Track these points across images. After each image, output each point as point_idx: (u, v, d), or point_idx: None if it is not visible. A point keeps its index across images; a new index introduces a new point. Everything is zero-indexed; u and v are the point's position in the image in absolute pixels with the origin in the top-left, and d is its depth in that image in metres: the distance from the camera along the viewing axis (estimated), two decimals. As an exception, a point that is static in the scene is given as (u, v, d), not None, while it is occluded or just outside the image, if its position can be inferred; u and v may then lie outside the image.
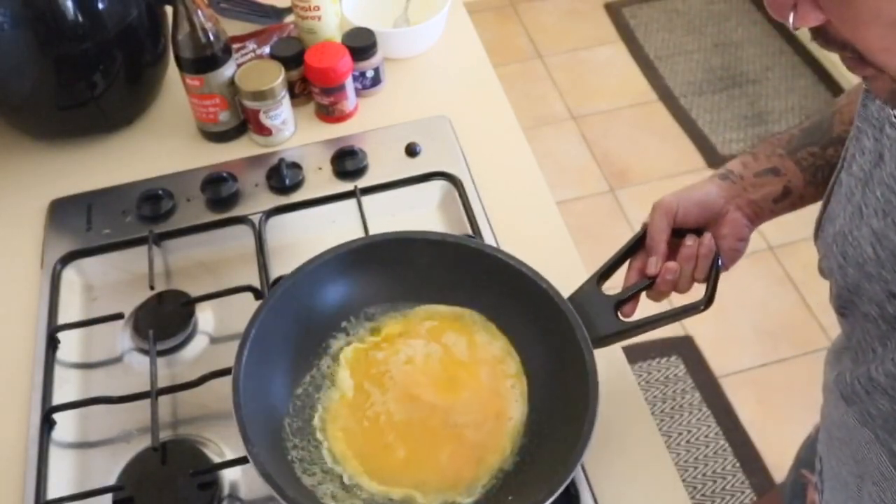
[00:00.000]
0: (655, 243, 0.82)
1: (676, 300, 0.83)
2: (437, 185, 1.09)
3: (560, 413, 0.79)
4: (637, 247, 0.85)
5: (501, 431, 0.80)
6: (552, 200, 1.08)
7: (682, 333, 2.08)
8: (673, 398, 1.97)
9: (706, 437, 1.90)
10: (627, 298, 0.82)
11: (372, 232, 1.00)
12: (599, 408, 0.75)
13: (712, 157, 2.49)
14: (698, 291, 0.82)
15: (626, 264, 0.85)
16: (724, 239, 0.82)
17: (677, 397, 1.97)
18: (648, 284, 0.82)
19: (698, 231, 0.83)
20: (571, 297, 0.83)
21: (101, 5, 1.06)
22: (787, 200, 0.83)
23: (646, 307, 0.83)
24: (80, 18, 1.04)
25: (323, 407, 0.82)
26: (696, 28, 2.92)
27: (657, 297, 0.83)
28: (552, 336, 0.82)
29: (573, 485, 0.80)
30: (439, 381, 0.83)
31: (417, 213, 1.07)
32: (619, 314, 0.82)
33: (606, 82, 2.73)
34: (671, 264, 0.81)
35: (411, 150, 1.12)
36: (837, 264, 0.69)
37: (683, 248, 0.82)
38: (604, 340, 0.81)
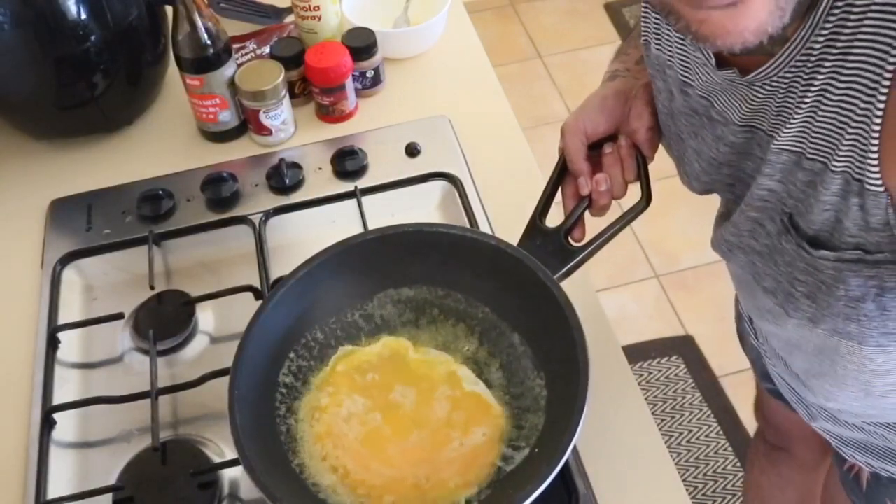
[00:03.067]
0: (577, 164, 0.85)
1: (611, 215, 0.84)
2: (437, 185, 1.09)
3: (556, 353, 0.80)
4: (562, 176, 0.87)
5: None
6: (553, 201, 1.08)
7: (682, 333, 2.08)
8: (673, 398, 1.97)
9: (706, 436, 1.90)
10: (573, 224, 0.84)
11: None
12: (600, 407, 0.75)
13: (712, 157, 2.49)
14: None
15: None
16: (637, 132, 0.84)
17: (677, 397, 1.97)
18: (587, 204, 0.84)
19: (610, 138, 0.85)
20: (520, 243, 0.84)
21: (101, 5, 1.06)
22: None
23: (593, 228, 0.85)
24: (80, 18, 1.04)
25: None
26: (697, 28, 2.91)
27: (600, 212, 0.85)
28: (522, 288, 0.83)
29: (573, 485, 0.80)
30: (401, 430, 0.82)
31: (417, 213, 1.07)
32: (570, 241, 0.84)
33: (606, 82, 2.72)
34: (600, 176, 0.83)
35: (411, 150, 1.12)
36: (686, 181, 0.82)
37: (605, 156, 0.84)
38: (567, 272, 0.82)
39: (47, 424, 0.88)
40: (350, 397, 0.82)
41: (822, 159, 0.60)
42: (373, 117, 1.20)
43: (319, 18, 1.21)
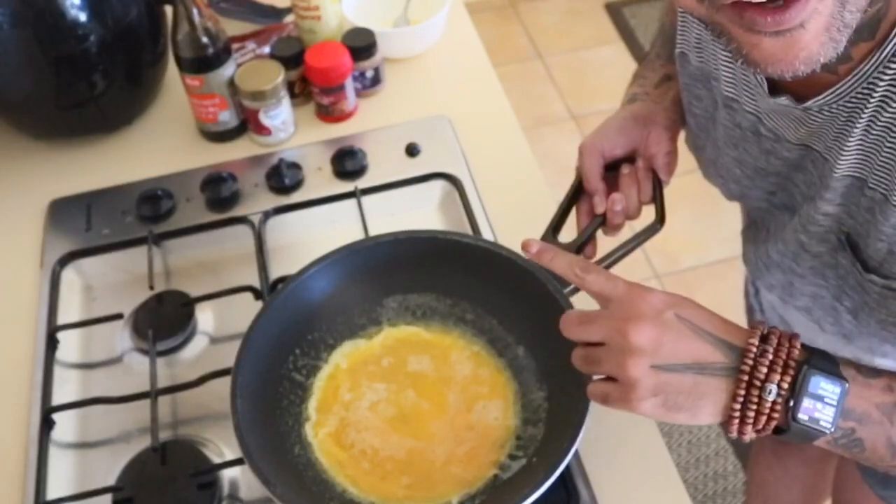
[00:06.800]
0: (594, 183, 0.86)
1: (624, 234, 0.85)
2: (437, 186, 1.09)
3: (560, 366, 0.79)
4: (578, 193, 0.88)
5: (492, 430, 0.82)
6: (552, 200, 1.08)
7: (683, 334, 2.08)
8: (673, 398, 1.97)
9: (707, 437, 1.90)
10: (586, 241, 0.84)
11: (372, 233, 1.00)
12: (599, 408, 0.75)
13: (713, 158, 2.48)
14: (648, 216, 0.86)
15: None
16: (656, 157, 0.85)
17: (678, 397, 1.97)
18: (601, 222, 0.85)
19: (627, 159, 0.86)
20: None
21: (100, 5, 1.06)
22: None
23: (606, 245, 0.85)
24: (80, 18, 1.04)
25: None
26: (697, 28, 2.91)
27: (613, 231, 0.86)
28: (531, 300, 0.83)
29: (573, 484, 0.80)
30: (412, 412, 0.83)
31: (417, 213, 1.07)
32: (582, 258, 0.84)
33: (606, 82, 2.72)
34: (616, 195, 0.84)
35: (411, 150, 1.12)
36: (719, 182, 0.83)
37: (622, 177, 0.85)
38: (577, 287, 0.81)
39: (46, 425, 0.88)
40: (370, 388, 0.84)
41: (882, 191, 0.61)
42: (373, 117, 1.19)
43: (319, 18, 1.21)
